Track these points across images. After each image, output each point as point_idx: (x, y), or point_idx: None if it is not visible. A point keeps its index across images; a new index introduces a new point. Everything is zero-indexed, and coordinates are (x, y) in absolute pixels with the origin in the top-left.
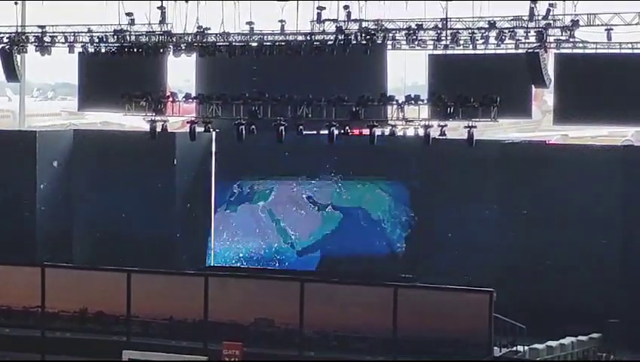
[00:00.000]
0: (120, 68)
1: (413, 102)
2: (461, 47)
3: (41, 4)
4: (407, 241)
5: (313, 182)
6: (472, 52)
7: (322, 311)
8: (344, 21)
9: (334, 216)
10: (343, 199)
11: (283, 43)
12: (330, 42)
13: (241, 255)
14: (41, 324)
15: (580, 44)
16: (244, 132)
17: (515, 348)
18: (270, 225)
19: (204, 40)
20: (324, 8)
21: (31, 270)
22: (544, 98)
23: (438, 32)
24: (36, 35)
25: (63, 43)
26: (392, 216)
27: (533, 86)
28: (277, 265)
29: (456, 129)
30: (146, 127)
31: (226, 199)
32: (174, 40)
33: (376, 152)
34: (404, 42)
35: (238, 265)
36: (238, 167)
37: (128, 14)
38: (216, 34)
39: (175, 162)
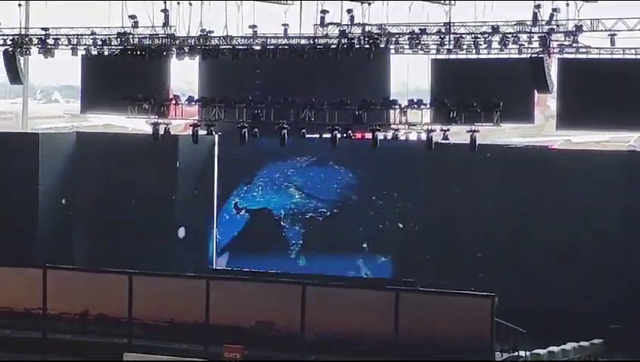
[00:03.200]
0: (123, 70)
1: (415, 106)
2: (464, 51)
3: (45, 5)
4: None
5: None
6: (475, 57)
7: (323, 315)
8: (347, 25)
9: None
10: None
11: (286, 46)
12: (333, 46)
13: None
14: (43, 326)
15: (584, 50)
16: (246, 135)
17: (516, 353)
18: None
19: (208, 43)
20: (328, 12)
21: (33, 272)
22: (547, 103)
23: (441, 36)
24: (39, 37)
25: (66, 45)
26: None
27: (536, 91)
28: None
29: (458, 133)
30: (149, 130)
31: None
32: (177, 43)
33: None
34: (407, 46)
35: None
36: (241, 170)
37: (132, 17)
38: (220, 37)
39: (178, 165)
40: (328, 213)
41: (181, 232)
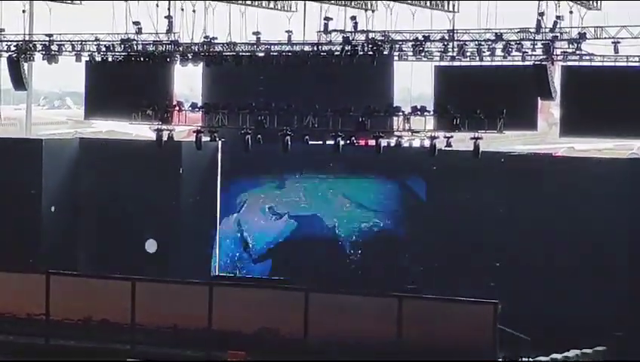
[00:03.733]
0: (127, 77)
1: (419, 113)
2: (468, 58)
3: (49, 12)
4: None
5: (278, 192)
6: (479, 64)
7: (327, 321)
8: (351, 32)
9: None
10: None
11: (290, 53)
12: (336, 53)
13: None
14: (45, 332)
15: (587, 57)
16: (250, 141)
17: (519, 360)
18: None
19: (211, 49)
20: (331, 19)
21: (35, 277)
22: (550, 110)
23: (445, 43)
24: (43, 43)
25: (70, 51)
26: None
27: (539, 98)
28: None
29: (462, 140)
30: (152, 136)
31: (235, 208)
32: (181, 49)
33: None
34: (411, 53)
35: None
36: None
37: (135, 23)
38: (223, 44)
39: (181, 171)
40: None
41: (151, 246)
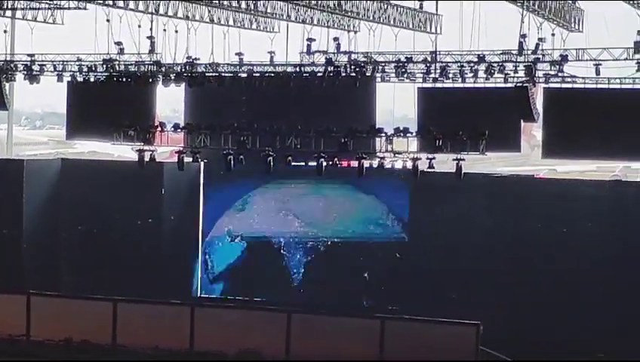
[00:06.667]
0: (109, 97)
1: (402, 134)
2: (450, 80)
3: (31, 32)
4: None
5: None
6: (461, 85)
7: (309, 343)
8: (334, 53)
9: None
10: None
11: (272, 74)
12: (319, 74)
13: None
14: (26, 352)
15: (569, 79)
16: (232, 162)
17: None
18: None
19: (194, 70)
20: (314, 40)
21: (16, 298)
22: (533, 132)
23: (428, 65)
24: (25, 63)
25: (51, 72)
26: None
27: (522, 120)
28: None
29: (445, 162)
30: (134, 157)
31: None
32: (163, 70)
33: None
34: (394, 75)
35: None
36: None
37: (117, 43)
38: (206, 64)
39: (163, 192)
40: (329, 243)
41: None
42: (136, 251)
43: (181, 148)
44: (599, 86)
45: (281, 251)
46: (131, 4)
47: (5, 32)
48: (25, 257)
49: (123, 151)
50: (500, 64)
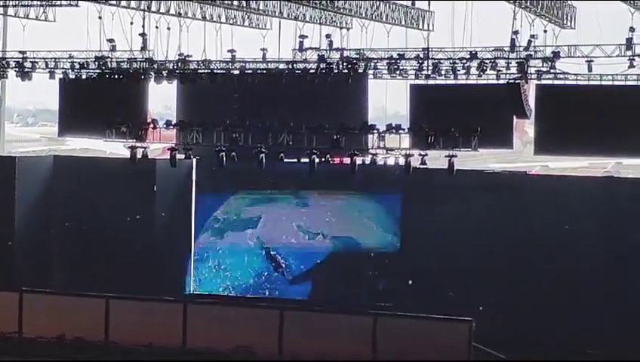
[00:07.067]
0: (101, 94)
1: (394, 131)
2: (442, 77)
3: (22, 29)
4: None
5: (302, 210)
6: (454, 82)
7: (301, 339)
8: (326, 50)
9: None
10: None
11: (264, 71)
12: (311, 70)
13: (228, 283)
14: (19, 350)
15: (561, 75)
16: (224, 159)
17: None
18: (259, 252)
19: (186, 67)
20: (306, 37)
21: (8, 295)
22: (525, 129)
23: (420, 61)
24: (17, 60)
25: (43, 69)
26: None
27: (514, 116)
28: (267, 293)
29: (437, 158)
30: (127, 154)
31: (209, 225)
32: (156, 67)
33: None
34: (386, 71)
35: (226, 293)
36: (220, 193)
37: (110, 40)
38: (198, 61)
39: (155, 188)
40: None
41: None
42: (129, 248)
43: (173, 145)
44: (591, 82)
45: (276, 254)
46: (123, 2)
47: None
48: (17, 254)
49: (115, 148)
50: (492, 61)
